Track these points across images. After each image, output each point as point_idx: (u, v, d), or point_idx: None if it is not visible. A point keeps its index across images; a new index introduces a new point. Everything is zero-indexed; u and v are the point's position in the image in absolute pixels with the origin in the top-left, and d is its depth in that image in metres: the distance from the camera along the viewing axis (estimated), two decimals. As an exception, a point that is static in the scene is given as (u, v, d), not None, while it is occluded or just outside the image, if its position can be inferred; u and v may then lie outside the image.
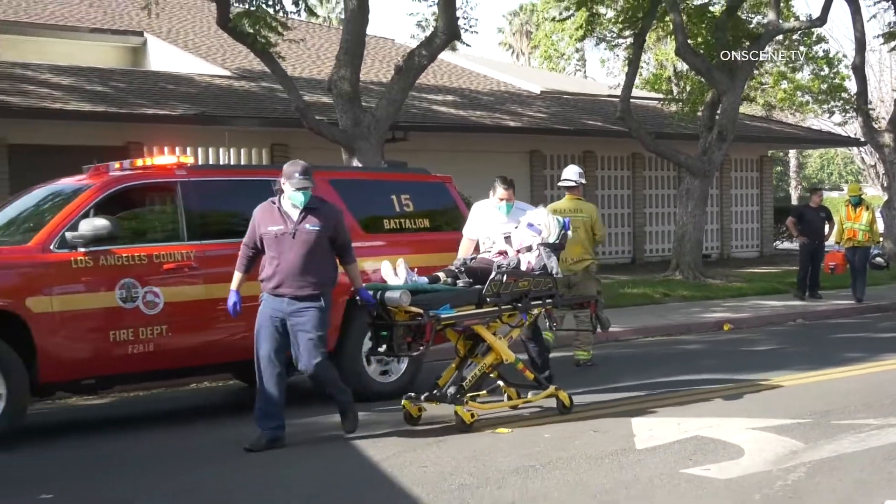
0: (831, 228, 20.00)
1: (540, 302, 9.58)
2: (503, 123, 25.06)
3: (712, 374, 11.97)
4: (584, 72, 57.48)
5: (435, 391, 9.23)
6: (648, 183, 27.90)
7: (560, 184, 13.86)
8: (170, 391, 11.84)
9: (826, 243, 20.29)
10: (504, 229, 9.96)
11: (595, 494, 7.02)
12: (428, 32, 19.16)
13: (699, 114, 25.35)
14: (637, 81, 27.41)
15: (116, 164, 10.29)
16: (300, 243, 8.52)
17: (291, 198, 8.57)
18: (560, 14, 27.17)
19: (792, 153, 52.76)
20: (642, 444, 8.47)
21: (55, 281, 9.05)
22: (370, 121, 17.93)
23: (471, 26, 21.87)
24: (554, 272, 9.58)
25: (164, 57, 26.04)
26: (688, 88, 28.08)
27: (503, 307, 9.25)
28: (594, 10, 24.61)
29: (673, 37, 23.82)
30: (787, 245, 31.69)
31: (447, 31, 18.45)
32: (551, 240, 9.65)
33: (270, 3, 17.09)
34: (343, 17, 18.67)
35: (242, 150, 21.78)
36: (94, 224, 9.17)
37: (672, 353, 14.19)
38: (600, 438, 8.71)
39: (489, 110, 25.93)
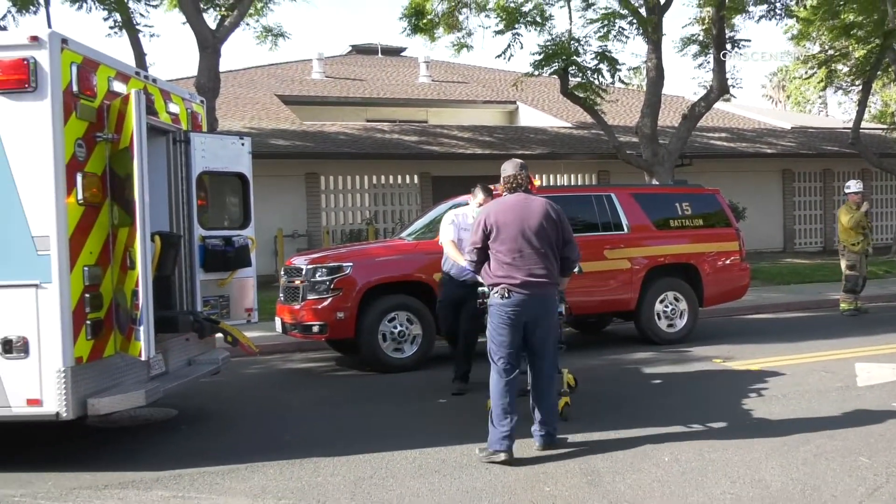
0: None
1: None
2: (761, 151, 23.34)
3: (923, 331, 10.52)
4: (826, 112, 52.53)
5: None
6: (875, 190, 25.05)
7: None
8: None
9: None
10: None
11: (823, 418, 6.32)
12: (706, 90, 18.13)
13: (917, 137, 22.99)
14: (866, 117, 24.84)
15: (492, 186, 10.37)
16: None
17: None
18: (806, 73, 25.35)
19: None
20: (862, 382, 7.57)
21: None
22: (664, 153, 17.37)
23: (736, 84, 20.51)
24: None
25: (528, 116, 26.27)
26: (907, 119, 25.55)
27: None
28: (832, 68, 22.86)
29: (895, 82, 21.67)
30: None
31: (719, 89, 17.67)
32: None
33: (594, 76, 16.78)
34: (646, 83, 18.03)
35: (578, 175, 21.58)
36: (476, 226, 9.29)
37: (891, 316, 12.55)
38: (829, 377, 7.85)
39: (751, 142, 24.25)
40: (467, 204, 9.89)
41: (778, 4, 18.10)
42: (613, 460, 5.45)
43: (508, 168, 5.93)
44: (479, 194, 8.02)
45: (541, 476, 5.20)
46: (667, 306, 10.33)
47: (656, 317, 10.27)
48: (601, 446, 5.77)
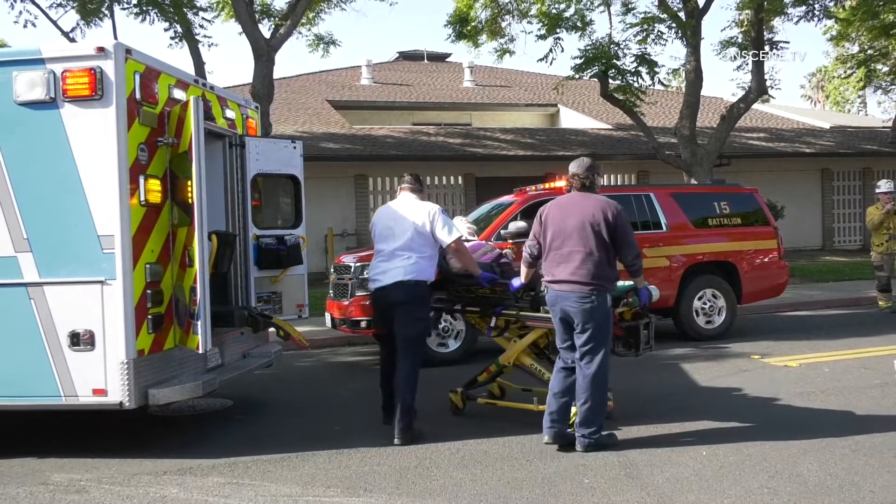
0: None
1: None
2: (800, 150, 22.81)
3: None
4: (865, 111, 51.15)
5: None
6: (914, 188, 24.35)
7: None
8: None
9: None
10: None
11: (861, 414, 6.16)
12: (744, 91, 17.75)
13: (957, 135, 22.27)
14: (906, 115, 24.17)
15: (532, 187, 10.36)
16: None
17: None
18: (845, 72, 24.72)
19: None
20: (901, 379, 7.36)
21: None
22: (703, 153, 17.08)
23: (774, 85, 19.97)
24: None
25: (569, 118, 26.07)
26: (947, 116, 24.74)
27: None
28: (871, 67, 22.26)
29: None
30: None
31: (758, 90, 17.30)
32: None
33: (634, 79, 16.56)
34: (685, 84, 17.76)
35: (617, 176, 21.36)
36: (518, 225, 9.28)
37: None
38: (867, 374, 7.65)
39: (789, 142, 23.72)
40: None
41: (817, 6, 17.64)
42: (651, 454, 5.38)
43: (571, 167, 5.71)
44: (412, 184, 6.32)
45: (580, 468, 5.15)
46: (705, 303, 10.18)
47: (694, 314, 10.14)
48: (639, 440, 5.69)
